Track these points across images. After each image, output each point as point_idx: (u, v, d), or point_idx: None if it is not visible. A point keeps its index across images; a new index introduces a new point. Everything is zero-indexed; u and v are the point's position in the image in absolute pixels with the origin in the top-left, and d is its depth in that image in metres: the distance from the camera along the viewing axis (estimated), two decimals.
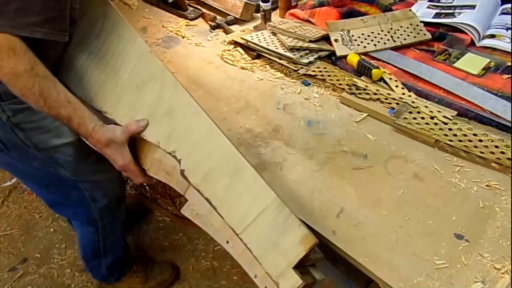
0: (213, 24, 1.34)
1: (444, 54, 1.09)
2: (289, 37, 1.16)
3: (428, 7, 1.29)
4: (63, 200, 1.13)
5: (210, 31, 1.34)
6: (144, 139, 0.81)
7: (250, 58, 1.18)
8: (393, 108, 0.93)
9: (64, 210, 1.22)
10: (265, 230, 0.64)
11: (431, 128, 0.87)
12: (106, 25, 0.90)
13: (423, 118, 0.90)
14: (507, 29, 1.14)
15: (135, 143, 0.83)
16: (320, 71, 1.07)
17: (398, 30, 1.18)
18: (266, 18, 1.30)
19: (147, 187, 0.81)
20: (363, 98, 0.97)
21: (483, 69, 1.03)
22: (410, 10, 1.23)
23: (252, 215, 0.66)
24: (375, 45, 1.14)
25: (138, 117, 0.82)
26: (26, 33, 0.69)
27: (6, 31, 0.68)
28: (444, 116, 0.89)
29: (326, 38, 1.18)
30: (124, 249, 1.38)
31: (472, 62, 1.05)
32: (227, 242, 0.69)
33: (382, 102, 0.96)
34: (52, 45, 0.78)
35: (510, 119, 0.87)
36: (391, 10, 1.29)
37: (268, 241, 0.64)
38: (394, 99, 0.96)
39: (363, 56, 1.08)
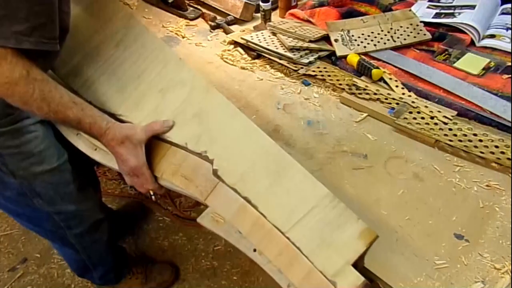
0: (213, 24, 1.34)
1: (444, 54, 1.09)
2: (289, 37, 1.16)
3: (428, 7, 1.29)
4: (36, 228, 1.09)
5: (210, 31, 1.34)
6: (158, 145, 0.78)
7: (250, 58, 1.18)
8: (393, 108, 0.93)
9: (39, 233, 1.17)
10: (317, 227, 0.61)
11: (431, 128, 0.87)
12: (128, 35, 0.90)
13: (423, 118, 0.90)
14: (507, 29, 1.14)
15: (148, 149, 0.79)
16: (320, 71, 1.07)
17: (398, 30, 1.18)
18: (266, 18, 1.30)
19: (153, 196, 0.79)
20: (363, 98, 0.97)
21: (483, 69, 1.03)
22: (410, 10, 1.23)
23: (300, 212, 0.62)
24: (375, 45, 1.14)
25: (161, 119, 0.79)
26: (12, 44, 0.64)
27: None
28: (444, 116, 0.89)
29: (326, 38, 1.18)
30: (115, 259, 1.34)
31: (472, 62, 1.05)
32: (254, 250, 0.65)
33: (382, 102, 0.96)
34: (43, 55, 0.72)
35: (510, 119, 0.87)
36: (391, 10, 1.29)
37: (320, 238, 0.60)
38: (394, 99, 0.96)
39: (363, 56, 1.08)
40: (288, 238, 0.61)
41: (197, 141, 0.75)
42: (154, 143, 0.79)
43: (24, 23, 0.64)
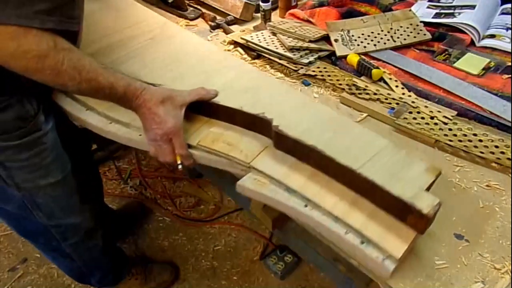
0: (213, 24, 1.34)
1: (444, 54, 1.09)
2: (289, 37, 1.16)
3: (428, 7, 1.29)
4: (30, 239, 1.11)
5: (210, 31, 1.34)
6: (193, 117, 0.80)
7: (250, 58, 1.18)
8: (393, 108, 0.93)
9: (34, 245, 1.19)
10: (385, 166, 0.65)
11: (431, 128, 0.87)
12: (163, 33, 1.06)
13: (423, 118, 0.90)
14: (507, 29, 1.14)
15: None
16: (320, 71, 1.07)
17: (398, 30, 1.18)
18: (266, 18, 1.30)
19: (179, 165, 0.78)
20: (363, 98, 0.97)
21: (483, 69, 1.03)
22: (410, 10, 1.23)
23: (365, 157, 0.66)
24: (375, 45, 1.14)
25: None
26: (37, 24, 0.63)
27: (14, 23, 0.61)
28: (444, 116, 0.89)
29: (326, 38, 1.18)
30: (112, 262, 1.35)
31: (472, 62, 1.05)
32: (306, 206, 0.66)
33: (382, 102, 0.96)
34: (62, 36, 0.70)
35: (510, 119, 0.87)
36: (391, 10, 1.29)
37: (390, 174, 0.63)
38: (394, 99, 0.96)
39: (363, 56, 1.08)
40: (360, 174, 0.64)
41: (252, 107, 0.78)
42: (188, 116, 0.79)
43: (46, 2, 0.63)
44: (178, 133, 0.74)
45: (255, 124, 0.78)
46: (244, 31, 1.29)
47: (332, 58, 1.13)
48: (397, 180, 0.62)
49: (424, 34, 1.15)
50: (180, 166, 0.77)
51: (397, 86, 1.00)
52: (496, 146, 0.82)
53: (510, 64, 1.03)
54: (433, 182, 0.64)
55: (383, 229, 0.62)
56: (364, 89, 0.99)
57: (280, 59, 1.13)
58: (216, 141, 0.78)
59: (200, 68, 0.89)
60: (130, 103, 0.75)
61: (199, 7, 1.46)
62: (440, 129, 0.87)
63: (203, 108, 0.82)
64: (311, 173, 0.71)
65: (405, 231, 0.61)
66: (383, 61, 1.09)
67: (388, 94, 0.97)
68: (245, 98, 0.77)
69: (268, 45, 1.16)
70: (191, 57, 0.97)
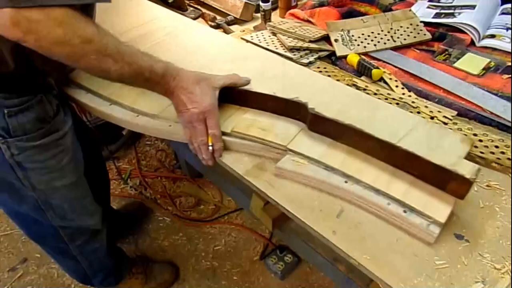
0: (213, 24, 1.34)
1: (444, 54, 1.09)
2: (289, 37, 1.16)
3: (428, 7, 1.29)
4: (39, 242, 1.12)
5: None
6: (223, 106, 0.83)
7: None
8: None
9: (42, 248, 1.19)
10: (422, 139, 0.69)
11: None
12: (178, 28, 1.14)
13: (423, 118, 0.90)
14: (507, 29, 1.14)
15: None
16: (320, 71, 1.07)
17: (398, 30, 1.18)
18: (266, 18, 1.30)
19: (210, 147, 0.79)
20: None
21: (483, 69, 1.03)
22: (410, 10, 1.23)
23: (402, 132, 0.70)
24: (375, 45, 1.14)
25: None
26: (76, 1, 0.60)
27: (55, 2, 0.58)
28: (444, 116, 0.89)
29: (326, 38, 1.18)
30: (114, 262, 1.35)
31: (472, 62, 1.05)
32: (346, 182, 0.71)
33: None
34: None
35: (510, 119, 0.87)
36: (391, 10, 1.29)
37: (428, 146, 0.68)
38: (394, 99, 0.96)
39: (363, 56, 1.08)
40: (400, 147, 0.67)
41: (283, 91, 0.81)
42: (219, 105, 0.81)
43: None
44: (214, 112, 0.75)
45: (287, 109, 0.82)
46: (244, 31, 1.29)
47: (332, 58, 1.13)
48: (435, 151, 0.66)
49: (424, 34, 1.15)
50: (210, 148, 0.77)
51: (397, 86, 1.00)
52: (496, 146, 0.82)
53: (510, 64, 1.03)
54: (469, 151, 0.69)
55: (424, 197, 0.66)
56: (364, 89, 0.99)
57: None
58: (251, 127, 0.81)
59: (223, 57, 0.91)
60: (167, 85, 0.74)
61: (199, 7, 1.46)
62: None
63: (234, 96, 0.85)
64: (348, 151, 0.75)
65: (445, 198, 0.66)
66: (383, 61, 1.09)
67: (388, 94, 0.97)
68: (274, 85, 0.80)
69: (268, 45, 1.16)
70: (211, 49, 1.00)
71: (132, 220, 1.74)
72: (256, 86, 0.84)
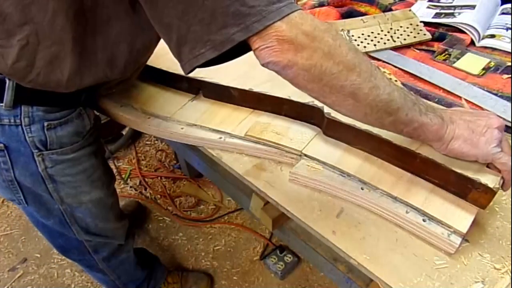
0: None
1: (444, 54, 1.09)
2: None
3: (428, 7, 1.29)
4: (68, 255, 1.12)
5: None
6: (239, 109, 0.84)
7: None
8: None
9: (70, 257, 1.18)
10: None
11: None
12: None
13: None
14: (507, 29, 1.14)
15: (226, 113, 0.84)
16: None
17: (398, 30, 1.18)
18: None
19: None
20: None
21: (483, 69, 1.03)
22: (410, 10, 1.23)
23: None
24: (375, 45, 1.14)
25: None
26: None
27: (284, 13, 0.50)
28: None
29: None
30: (146, 272, 1.33)
31: (472, 62, 1.05)
32: (362, 189, 0.69)
33: None
34: None
35: (510, 119, 0.87)
36: (391, 10, 1.29)
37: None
38: None
39: None
40: (419, 154, 0.66)
41: (298, 97, 0.79)
42: (233, 108, 0.82)
43: None
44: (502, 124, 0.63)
45: (302, 113, 0.80)
46: None
47: None
48: (455, 159, 0.64)
49: (424, 34, 1.15)
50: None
51: None
52: None
53: (510, 64, 1.02)
54: None
55: (444, 206, 0.65)
56: None
57: None
58: (265, 131, 0.79)
59: (235, 59, 0.88)
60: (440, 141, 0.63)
61: None
62: None
63: (248, 100, 0.84)
64: (364, 157, 0.73)
65: (466, 207, 0.64)
66: (383, 61, 1.09)
67: None
68: (289, 88, 0.79)
69: None
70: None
71: (132, 220, 1.74)
72: (271, 90, 0.83)
